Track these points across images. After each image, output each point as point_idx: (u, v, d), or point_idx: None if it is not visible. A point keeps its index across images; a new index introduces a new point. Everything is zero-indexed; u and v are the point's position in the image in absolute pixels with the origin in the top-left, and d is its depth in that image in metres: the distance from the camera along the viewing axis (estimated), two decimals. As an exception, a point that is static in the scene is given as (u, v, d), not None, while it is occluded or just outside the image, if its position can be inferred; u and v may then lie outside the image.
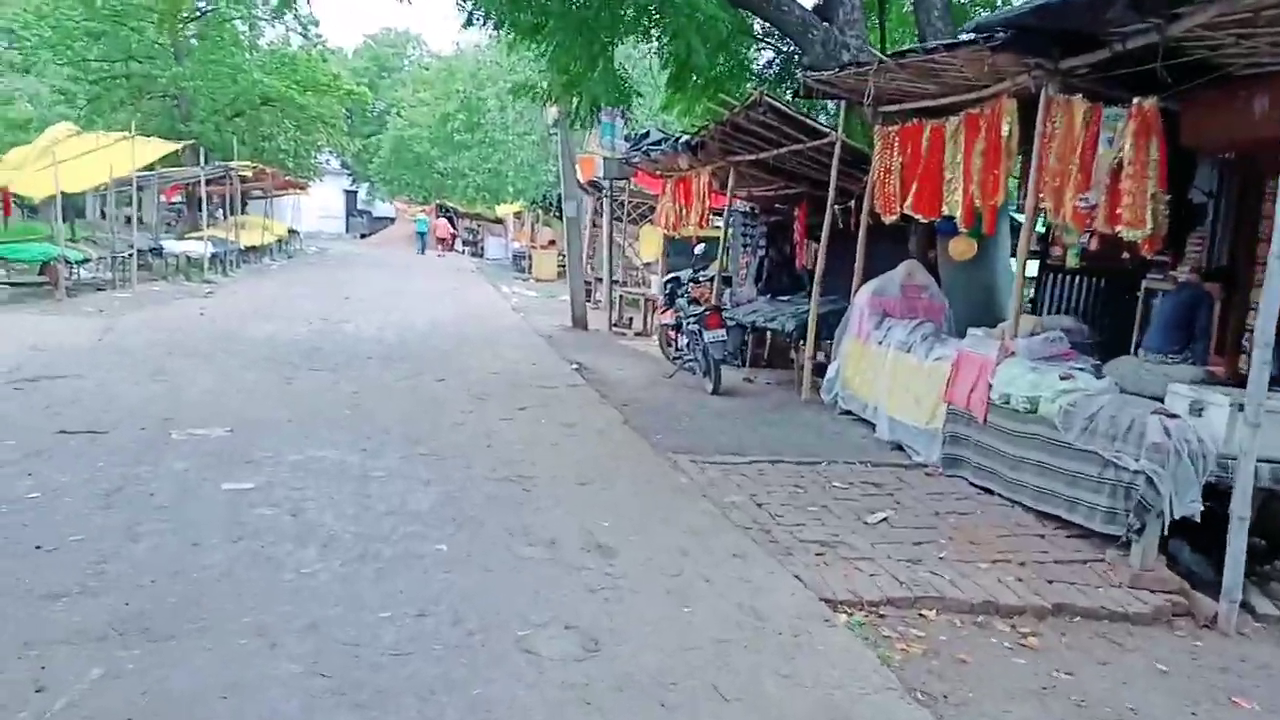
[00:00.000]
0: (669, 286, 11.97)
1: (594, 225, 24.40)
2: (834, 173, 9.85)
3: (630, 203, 20.47)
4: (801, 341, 10.52)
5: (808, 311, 10.82)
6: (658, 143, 13.92)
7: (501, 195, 37.30)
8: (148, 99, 28.41)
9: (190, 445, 6.37)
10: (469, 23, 11.25)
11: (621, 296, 18.51)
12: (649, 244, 22.93)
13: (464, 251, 46.48)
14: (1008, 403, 6.43)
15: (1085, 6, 4.86)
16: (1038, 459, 6.07)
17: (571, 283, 16.74)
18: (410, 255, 41.60)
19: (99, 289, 18.89)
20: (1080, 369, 6.47)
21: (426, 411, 8.08)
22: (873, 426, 8.47)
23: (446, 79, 43.73)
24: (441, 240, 47.28)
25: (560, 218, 33.78)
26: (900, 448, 7.86)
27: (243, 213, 33.44)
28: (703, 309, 10.50)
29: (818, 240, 14.38)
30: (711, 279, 12.65)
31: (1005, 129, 6.84)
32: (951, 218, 8.14)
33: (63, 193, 21.81)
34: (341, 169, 61.25)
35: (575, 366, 11.35)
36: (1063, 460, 5.82)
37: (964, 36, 6.58)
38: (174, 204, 32.88)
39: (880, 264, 10.91)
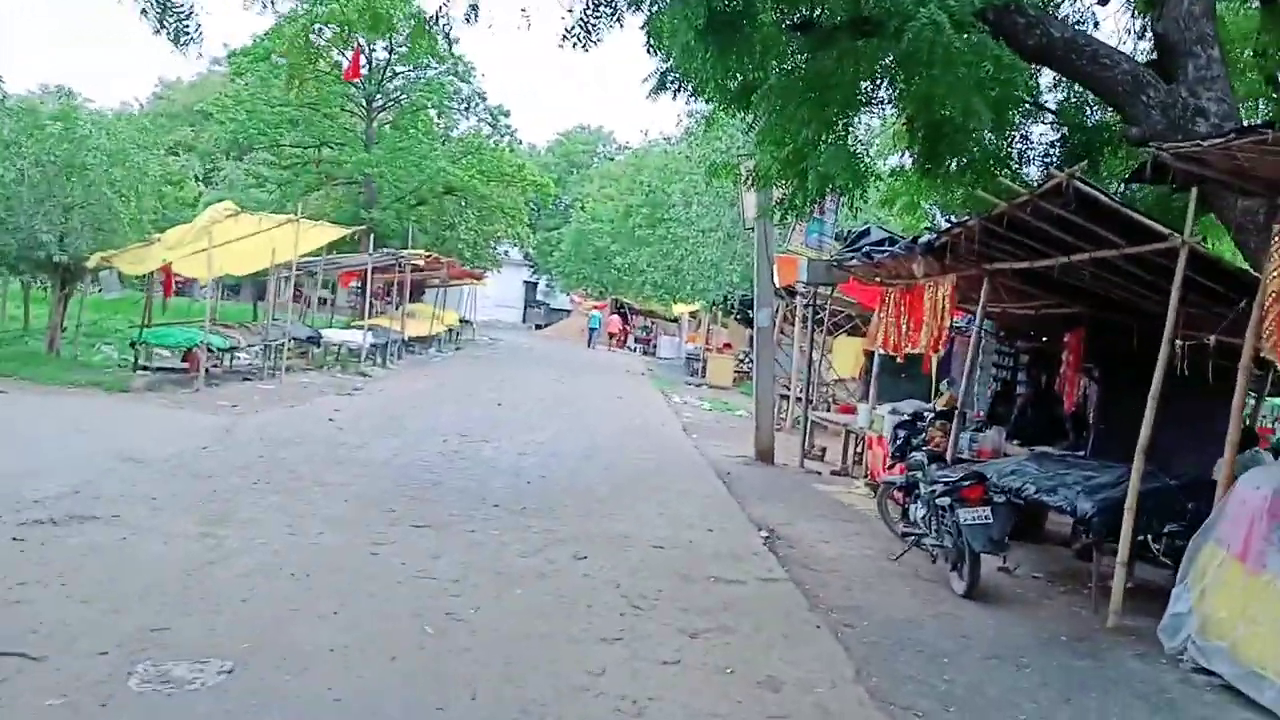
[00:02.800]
0: (901, 434, 8.85)
1: (782, 333, 21.59)
2: (1176, 293, 6.62)
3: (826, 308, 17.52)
4: (1106, 538, 7.14)
5: (1112, 486, 7.45)
6: (881, 243, 11.03)
7: (679, 294, 35.23)
8: (333, 184, 28.28)
9: (143, 711, 3.82)
10: (661, 86, 8.81)
11: (815, 423, 15.42)
12: (843, 358, 19.84)
13: (635, 349, 44.78)
14: None
15: None
16: None
17: (758, 406, 13.84)
18: (580, 350, 40.11)
19: (246, 378, 17.63)
20: None
21: (548, 637, 5.25)
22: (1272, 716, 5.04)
23: (632, 173, 42.72)
24: (612, 335, 45.90)
25: (740, 320, 31.36)
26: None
27: (418, 301, 32.88)
28: (957, 477, 7.32)
29: (1091, 377, 11.02)
30: (944, 417, 9.48)
31: None
32: None
33: (234, 274, 21.19)
34: (523, 260, 61.82)
35: (766, 537, 8.35)
36: None
37: None
38: (358, 289, 32.71)
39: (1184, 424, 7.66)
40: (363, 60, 27.26)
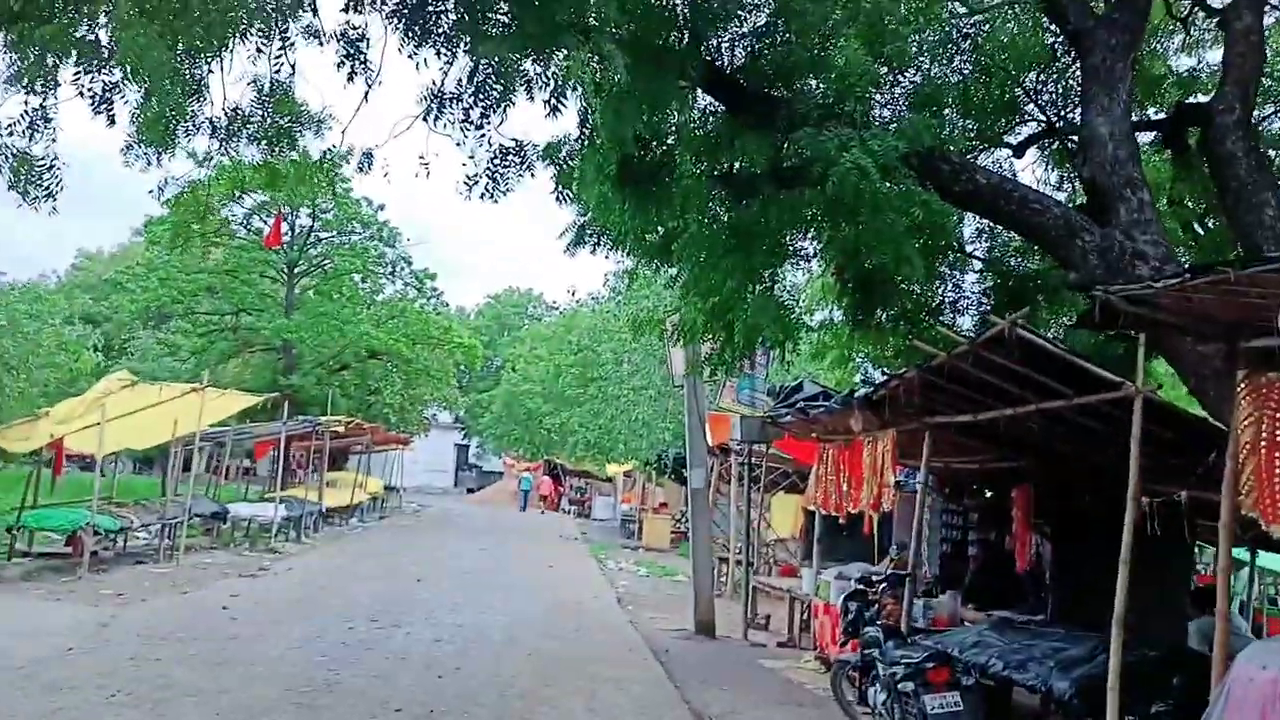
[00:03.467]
0: (852, 607, 8.09)
1: (718, 492, 20.89)
2: (1136, 447, 6.16)
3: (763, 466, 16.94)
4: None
5: (1087, 660, 6.76)
6: (815, 397, 10.58)
7: (612, 453, 34.53)
8: (250, 352, 27.37)
9: None
10: (579, 241, 8.43)
11: (756, 588, 14.53)
12: (781, 517, 19.18)
13: (570, 511, 43.49)
14: None
15: None
16: None
17: (696, 574, 12.95)
18: (513, 514, 38.74)
19: (139, 562, 16.11)
20: None
21: None
22: None
23: (562, 333, 42.68)
24: (544, 498, 44.77)
25: (675, 479, 30.65)
26: None
27: (341, 469, 31.48)
28: (919, 658, 6.55)
29: (1044, 533, 10.48)
30: (893, 583, 8.75)
31: None
32: None
33: (135, 448, 19.85)
34: (454, 423, 60.66)
35: (711, 736, 7.39)
36: None
37: None
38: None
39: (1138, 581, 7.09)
40: (285, 227, 26.98)
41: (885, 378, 8.83)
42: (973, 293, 9.29)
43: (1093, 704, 6.27)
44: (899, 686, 6.55)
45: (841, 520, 11.13)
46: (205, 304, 26.88)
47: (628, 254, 8.45)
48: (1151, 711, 6.19)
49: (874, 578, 9.37)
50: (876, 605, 8.01)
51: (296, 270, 28.55)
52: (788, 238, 7.89)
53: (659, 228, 8.02)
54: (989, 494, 10.90)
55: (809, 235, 8.08)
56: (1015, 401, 7.58)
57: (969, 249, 9.98)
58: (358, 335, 26.87)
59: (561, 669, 9.28)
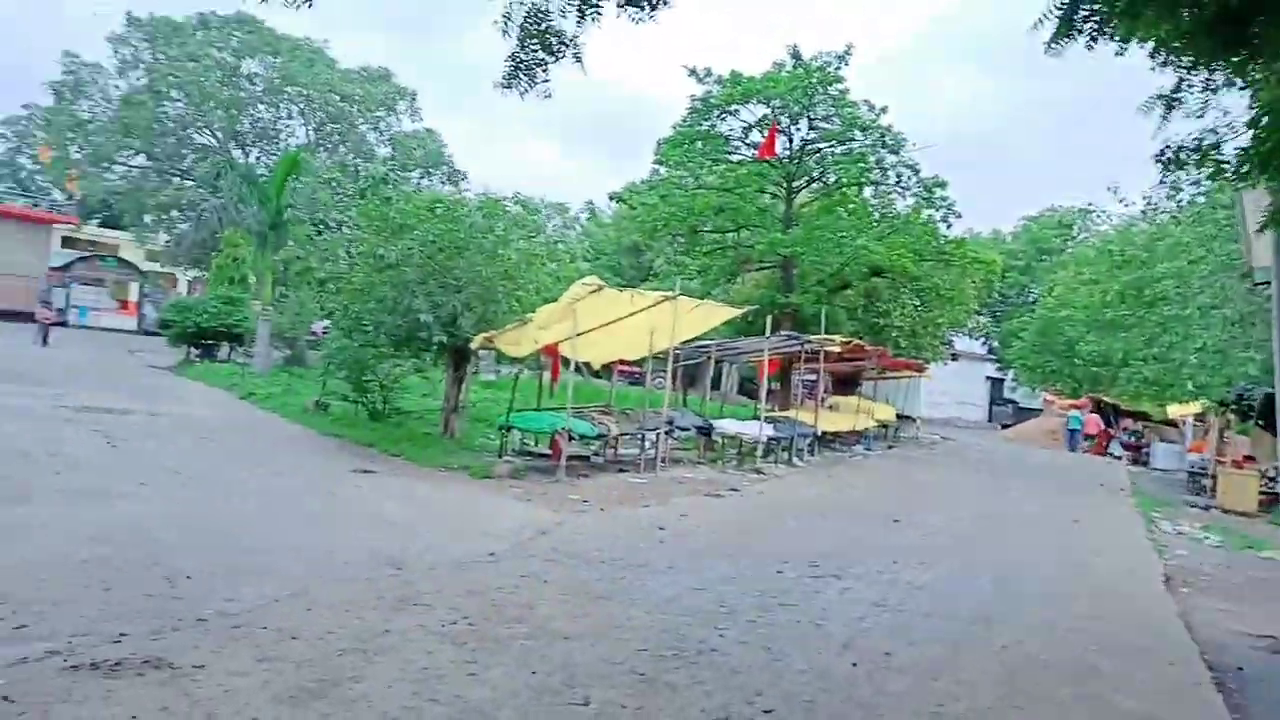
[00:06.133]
0: None
1: (1336, 444, 14.88)
2: None
3: None
4: None
5: None
6: None
7: (1175, 391, 27.85)
8: (748, 269, 26.68)
9: None
10: (1066, 29, 5.06)
11: None
12: None
13: (1122, 457, 36.88)
14: None
15: None
16: None
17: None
18: (1046, 454, 33.80)
19: (621, 470, 16.01)
20: None
21: None
22: None
23: (1115, 249, 35.78)
24: (1089, 437, 38.58)
25: (1263, 425, 23.51)
26: None
27: (852, 394, 29.93)
28: None
29: None
30: None
31: None
32: None
33: (628, 358, 20.13)
34: (987, 355, 55.78)
35: None
36: None
37: None
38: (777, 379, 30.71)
39: None
40: (783, 140, 25.57)
41: None
42: None
43: None
44: None
45: None
46: (710, 223, 26.78)
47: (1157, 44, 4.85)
48: None
49: None
50: None
51: (795, 184, 27.05)
52: None
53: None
54: None
55: None
56: None
57: None
58: (854, 250, 24.56)
59: (1044, 682, 6.15)
